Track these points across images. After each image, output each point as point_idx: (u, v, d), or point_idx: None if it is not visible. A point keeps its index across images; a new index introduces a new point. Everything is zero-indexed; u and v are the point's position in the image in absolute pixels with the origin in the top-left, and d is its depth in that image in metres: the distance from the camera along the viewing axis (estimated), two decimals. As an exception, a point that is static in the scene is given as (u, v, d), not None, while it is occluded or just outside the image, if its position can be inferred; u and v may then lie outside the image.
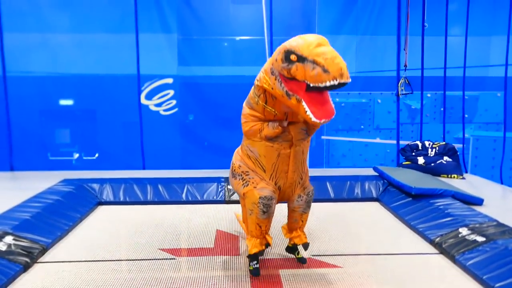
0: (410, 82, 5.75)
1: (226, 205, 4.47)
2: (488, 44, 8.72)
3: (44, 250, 3.12)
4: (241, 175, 2.69)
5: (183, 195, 4.55)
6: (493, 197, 4.30)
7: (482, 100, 8.64)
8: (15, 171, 5.92)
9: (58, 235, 3.39)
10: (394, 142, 6.41)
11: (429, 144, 5.53)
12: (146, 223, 3.90)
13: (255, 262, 2.76)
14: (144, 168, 6.08)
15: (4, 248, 2.89)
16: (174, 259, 3.10)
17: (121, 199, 4.49)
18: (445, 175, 5.14)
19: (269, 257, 3.09)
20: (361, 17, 8.61)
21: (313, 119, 2.16)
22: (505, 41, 5.52)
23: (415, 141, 5.69)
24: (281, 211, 3.06)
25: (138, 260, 3.07)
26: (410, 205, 4.01)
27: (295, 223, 2.80)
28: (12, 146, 6.14)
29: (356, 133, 8.38)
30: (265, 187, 2.58)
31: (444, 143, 5.51)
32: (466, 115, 7.05)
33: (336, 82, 2.02)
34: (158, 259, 3.09)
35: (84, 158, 8.16)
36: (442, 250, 3.12)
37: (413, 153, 5.52)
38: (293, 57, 2.13)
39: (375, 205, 4.51)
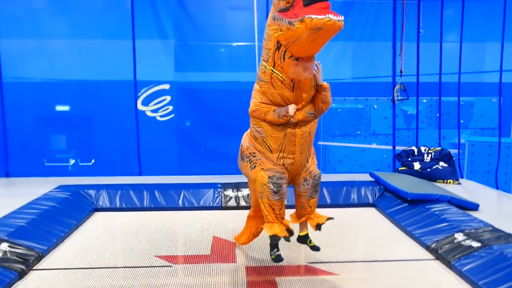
0: (406, 88, 5.78)
1: (223, 211, 4.47)
2: (483, 50, 8.77)
3: (39, 257, 3.11)
4: (249, 157, 2.70)
5: (180, 201, 4.54)
6: (488, 202, 4.32)
7: (477, 105, 8.69)
8: (11, 177, 5.90)
9: (54, 242, 3.38)
10: (390, 147, 6.44)
11: (425, 150, 5.55)
12: (143, 230, 3.89)
13: (276, 249, 2.72)
14: (140, 174, 6.07)
15: (-1, 255, 2.87)
16: (171, 266, 3.09)
17: (118, 205, 4.48)
18: (441, 181, 5.16)
19: (265, 265, 3.09)
20: (357, 24, 8.64)
21: (320, 17, 2.17)
22: (500, 48, 5.57)
23: (411, 147, 5.72)
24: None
25: (135, 267, 3.06)
26: (406, 210, 4.02)
27: (303, 209, 2.77)
28: (8, 152, 6.12)
29: (352, 138, 8.40)
30: (273, 167, 2.59)
31: (440, 148, 5.53)
32: (461, 121, 7.09)
33: None
34: (155, 266, 3.08)
35: (80, 164, 8.13)
36: (438, 255, 3.13)
37: (409, 159, 5.54)
38: None
39: (372, 210, 4.52)
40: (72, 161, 8.11)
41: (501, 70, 5.56)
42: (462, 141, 6.67)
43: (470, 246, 3.00)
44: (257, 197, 2.75)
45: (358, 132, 8.60)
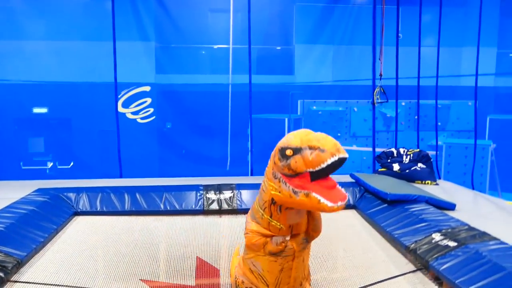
0: (385, 91, 5.88)
1: (205, 217, 4.42)
2: (459, 55, 9.02)
3: (19, 264, 3.01)
4: None
5: (161, 205, 4.51)
6: (465, 202, 4.43)
7: (454, 108, 8.92)
8: (-14, 181, 5.74)
9: (33, 247, 3.31)
10: (370, 149, 6.54)
11: (404, 151, 5.66)
12: (125, 240, 3.76)
13: None
14: (121, 177, 6.01)
15: (-24, 260, 2.80)
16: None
17: (98, 208, 4.42)
18: (419, 181, 5.27)
19: None
20: (337, 28, 8.78)
21: (329, 204, 2.10)
22: (475, 52, 5.72)
23: (390, 148, 5.81)
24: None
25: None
26: (386, 211, 4.09)
27: None
28: (-16, 155, 5.97)
29: (333, 140, 8.48)
30: None
31: (418, 150, 5.64)
32: (439, 123, 7.26)
33: (336, 158, 2.05)
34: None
35: (59, 167, 8.02)
36: (417, 256, 3.19)
37: (389, 160, 5.63)
38: (288, 152, 2.18)
39: (352, 212, 4.59)
40: (50, 164, 7.98)
41: (476, 74, 5.71)
42: (439, 143, 6.81)
43: (447, 246, 3.08)
44: None
45: (339, 134, 8.71)
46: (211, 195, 4.62)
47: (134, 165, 7.11)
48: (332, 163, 2.06)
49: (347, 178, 5.19)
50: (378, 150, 6.19)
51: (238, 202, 4.58)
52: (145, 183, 5.08)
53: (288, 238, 2.46)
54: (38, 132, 7.79)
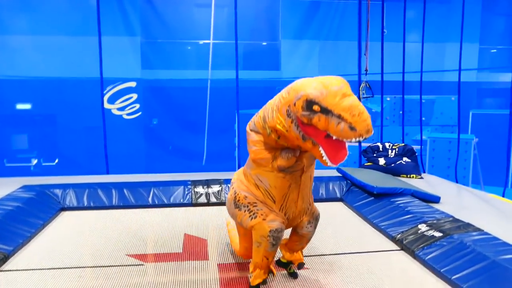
0: (371, 86, 5.95)
1: (194, 208, 4.47)
2: (443, 50, 9.16)
3: (5, 258, 3.02)
4: (248, 206, 2.52)
5: (150, 199, 4.51)
6: (449, 195, 4.52)
7: (438, 103, 9.06)
8: (-31, 178, 5.65)
9: (20, 242, 3.29)
10: (356, 144, 6.60)
11: (389, 146, 5.74)
12: (112, 228, 3.84)
13: None
14: (108, 173, 5.96)
15: (-38, 257, 2.78)
16: (142, 265, 3.07)
17: (85, 204, 4.40)
18: (405, 175, 5.35)
19: (238, 261, 3.13)
20: (323, 23, 8.83)
21: (329, 163, 2.07)
22: (458, 48, 5.81)
23: (376, 143, 5.89)
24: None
25: (105, 266, 3.02)
26: (372, 204, 4.16)
27: (299, 245, 2.75)
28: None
29: (319, 135, 8.54)
30: (275, 218, 2.45)
31: (403, 144, 5.73)
32: (423, 118, 7.37)
33: (362, 139, 1.95)
34: (126, 265, 3.05)
35: (44, 164, 7.91)
36: (403, 246, 3.26)
37: (374, 154, 5.71)
38: (316, 107, 2.00)
39: (339, 205, 4.64)
40: (34, 161, 7.87)
41: (459, 69, 5.81)
42: (424, 137, 6.93)
43: (433, 236, 3.15)
44: (247, 241, 2.72)
45: (325, 130, 8.77)
46: (199, 189, 4.63)
47: (121, 161, 7.06)
48: (356, 141, 1.96)
49: (334, 172, 5.25)
50: (364, 145, 6.26)
51: (227, 195, 4.59)
52: (132, 179, 5.06)
53: (298, 152, 2.35)
54: (22, 128, 7.68)
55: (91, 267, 3.03)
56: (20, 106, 7.50)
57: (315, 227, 2.72)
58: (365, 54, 5.97)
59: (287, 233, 2.71)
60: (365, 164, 5.70)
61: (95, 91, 6.23)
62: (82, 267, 3.02)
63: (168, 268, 3.00)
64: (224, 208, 4.43)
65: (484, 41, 9.68)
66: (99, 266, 3.02)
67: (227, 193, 4.62)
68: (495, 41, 9.90)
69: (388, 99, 8.70)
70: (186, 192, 4.59)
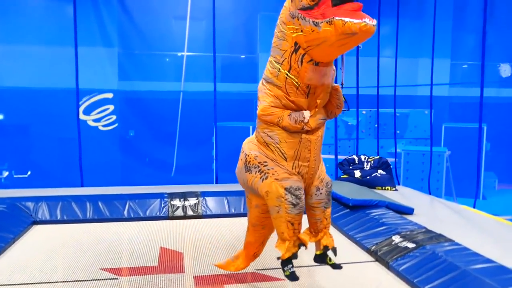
0: (347, 100, 6.03)
1: (170, 221, 4.43)
2: (416, 65, 9.41)
3: (-27, 274, 2.91)
4: (258, 167, 2.37)
5: (125, 212, 4.44)
6: (422, 206, 4.62)
7: (412, 117, 9.27)
8: None
9: (-12, 257, 3.19)
10: (333, 156, 6.68)
11: (365, 158, 5.83)
12: (86, 242, 3.76)
13: (290, 266, 2.41)
14: (82, 185, 5.85)
15: None
16: (117, 279, 3.02)
17: (59, 217, 4.30)
18: (380, 187, 5.44)
19: (214, 273, 3.11)
20: (301, 37, 8.95)
21: (356, 21, 1.92)
22: (430, 63, 5.98)
23: (352, 156, 5.98)
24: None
25: (78, 281, 2.96)
26: (348, 215, 4.21)
27: (319, 223, 2.49)
28: None
29: (297, 148, 8.60)
30: (289, 177, 2.30)
31: (378, 157, 5.83)
32: (397, 131, 7.52)
33: None
34: (99, 279, 3.00)
35: (15, 176, 7.70)
36: (378, 257, 3.31)
37: (350, 167, 5.79)
38: None
39: (316, 217, 4.67)
40: (5, 173, 7.65)
41: (431, 84, 5.97)
42: (398, 150, 7.05)
43: (406, 247, 3.21)
44: (259, 215, 2.56)
45: (302, 142, 8.84)
46: (176, 202, 4.59)
47: (96, 173, 6.94)
48: None
49: (311, 184, 5.29)
50: (341, 157, 6.35)
51: (203, 208, 4.57)
52: (108, 191, 4.98)
53: (307, 116, 2.27)
54: (-8, 139, 7.47)
55: (63, 281, 2.96)
56: (-9, 117, 7.32)
57: (327, 197, 2.49)
58: (341, 68, 6.06)
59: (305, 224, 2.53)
60: (341, 176, 5.77)
61: (70, 102, 6.13)
62: (54, 282, 2.94)
63: (143, 282, 2.96)
64: (200, 221, 4.43)
65: (455, 57, 10.00)
66: (72, 281, 2.96)
67: (203, 206, 4.61)
68: (466, 57, 10.24)
69: (364, 112, 8.86)
70: (162, 205, 4.55)
